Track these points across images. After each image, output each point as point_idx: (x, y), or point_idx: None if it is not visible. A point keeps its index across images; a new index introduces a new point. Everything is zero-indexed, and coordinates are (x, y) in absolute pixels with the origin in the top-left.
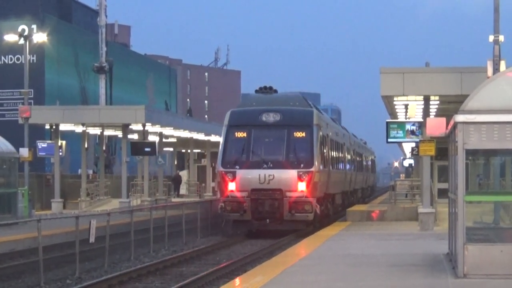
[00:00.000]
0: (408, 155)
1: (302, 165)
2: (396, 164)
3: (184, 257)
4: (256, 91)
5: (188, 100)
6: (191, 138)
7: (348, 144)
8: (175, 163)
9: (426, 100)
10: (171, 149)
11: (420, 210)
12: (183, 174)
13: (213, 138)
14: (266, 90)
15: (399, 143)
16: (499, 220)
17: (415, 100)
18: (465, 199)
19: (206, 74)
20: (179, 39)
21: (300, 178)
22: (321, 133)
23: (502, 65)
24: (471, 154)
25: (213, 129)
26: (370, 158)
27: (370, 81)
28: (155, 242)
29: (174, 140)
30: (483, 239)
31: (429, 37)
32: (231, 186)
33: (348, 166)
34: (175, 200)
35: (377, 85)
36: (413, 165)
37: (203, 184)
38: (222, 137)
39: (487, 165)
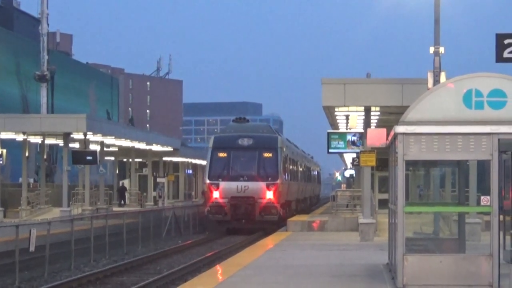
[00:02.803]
0: (349, 165)
1: (269, 178)
2: (337, 174)
3: (124, 266)
4: (233, 120)
5: (130, 109)
6: (133, 147)
7: (300, 160)
8: (117, 172)
9: (367, 111)
10: (113, 158)
11: (361, 220)
12: (122, 182)
13: (155, 147)
14: (241, 120)
15: (340, 154)
16: (439, 231)
17: (356, 111)
18: (404, 210)
19: (148, 83)
20: (121, 48)
21: (268, 188)
22: (283, 154)
23: (443, 77)
24: (412, 165)
25: (155, 139)
26: (316, 171)
27: (312, 91)
28: (95, 252)
29: (115, 149)
30: (422, 249)
31: (371, 48)
32: (216, 194)
33: (300, 179)
34: (117, 209)
35: (319, 96)
36: (354, 175)
37: (145, 194)
38: (208, 157)
39: (428, 176)
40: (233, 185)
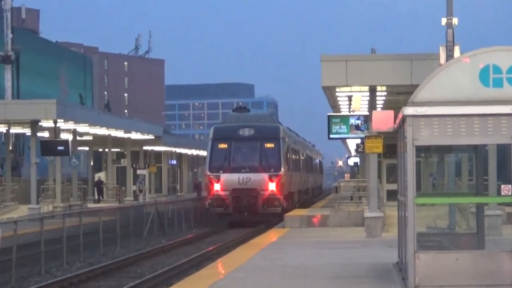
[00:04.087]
0: (353, 152)
1: (272, 170)
2: (340, 163)
3: (101, 269)
4: (233, 110)
5: (105, 92)
6: (109, 136)
7: (302, 149)
8: (91, 164)
9: (372, 91)
10: (87, 148)
11: (367, 214)
12: (98, 175)
13: (134, 135)
14: (241, 109)
15: (343, 140)
16: (455, 225)
17: (360, 91)
18: (415, 202)
19: (125, 63)
20: (94, 24)
21: (270, 179)
22: (285, 144)
23: (456, 51)
24: (423, 151)
25: (134, 126)
26: (318, 160)
27: (310, 70)
28: (68, 254)
29: (90, 138)
30: (436, 246)
31: (376, 21)
32: (217, 186)
33: (302, 169)
34: (92, 205)
35: (318, 75)
36: (358, 164)
37: (123, 188)
38: (208, 148)
39: (441, 163)
40: (234, 177)
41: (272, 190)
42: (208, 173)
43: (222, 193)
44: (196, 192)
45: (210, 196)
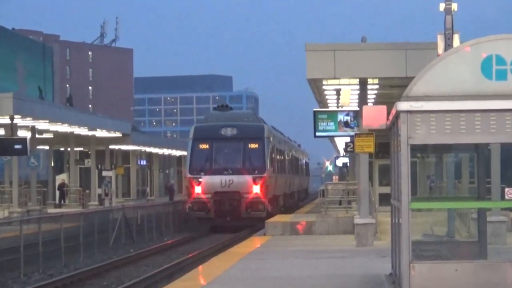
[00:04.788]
0: (342, 152)
1: (256, 171)
2: (327, 164)
3: (63, 281)
4: (214, 108)
5: (67, 85)
6: (72, 133)
7: (287, 150)
8: (52, 164)
9: (363, 84)
10: (47, 147)
11: (357, 220)
12: (61, 178)
13: (99, 133)
14: (223, 108)
15: (331, 138)
16: (454, 232)
17: (349, 84)
18: (411, 207)
19: (89, 53)
20: (55, 9)
21: (254, 182)
22: (270, 144)
23: (456, 40)
24: (419, 150)
25: (99, 122)
26: (304, 161)
27: (294, 61)
28: (26, 264)
29: (50, 135)
30: (433, 255)
31: (367, 8)
32: (197, 189)
33: (288, 171)
34: (53, 211)
35: (303, 66)
36: (348, 164)
37: (87, 191)
38: (188, 149)
39: (439, 164)
40: (216, 179)
41: (256, 193)
42: (189, 175)
43: (203, 196)
44: (169, 195)
45: (191, 200)
